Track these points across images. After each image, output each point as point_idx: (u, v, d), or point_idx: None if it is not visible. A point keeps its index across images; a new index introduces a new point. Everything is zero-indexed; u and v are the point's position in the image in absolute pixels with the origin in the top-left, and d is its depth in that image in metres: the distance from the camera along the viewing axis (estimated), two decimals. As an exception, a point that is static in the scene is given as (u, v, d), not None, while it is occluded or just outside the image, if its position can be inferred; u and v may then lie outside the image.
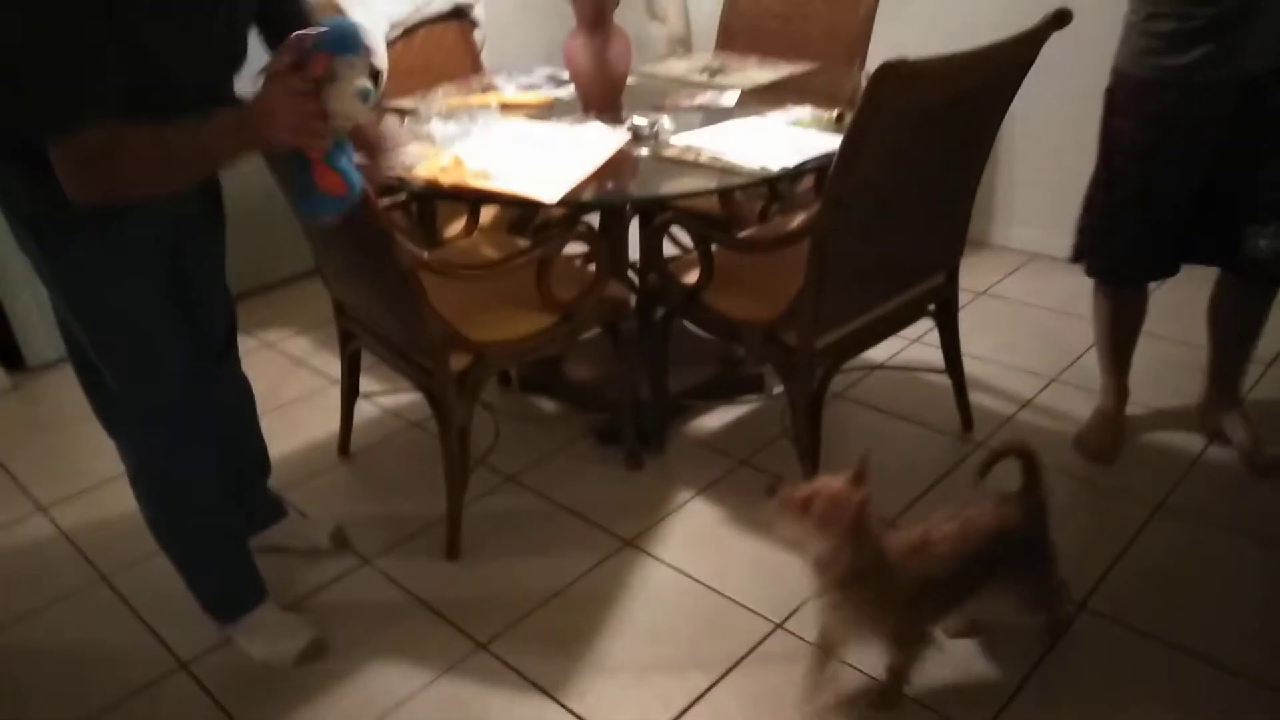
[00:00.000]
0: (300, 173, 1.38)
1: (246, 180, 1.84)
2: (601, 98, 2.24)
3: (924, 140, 1.76)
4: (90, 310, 1.49)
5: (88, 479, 2.34)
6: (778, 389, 2.53)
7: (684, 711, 1.62)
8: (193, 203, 1.61)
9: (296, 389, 2.76)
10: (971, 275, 3.03)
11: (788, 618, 1.80)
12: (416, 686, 1.70)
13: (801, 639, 1.74)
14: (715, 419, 2.47)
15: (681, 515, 2.11)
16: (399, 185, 1.94)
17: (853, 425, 2.42)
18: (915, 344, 2.75)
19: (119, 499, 1.99)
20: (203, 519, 1.74)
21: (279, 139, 1.32)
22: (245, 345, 2.98)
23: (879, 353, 2.69)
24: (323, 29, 1.32)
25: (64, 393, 2.75)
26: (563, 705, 1.64)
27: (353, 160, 1.43)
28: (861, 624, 1.50)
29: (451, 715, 1.64)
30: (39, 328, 2.91)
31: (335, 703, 1.68)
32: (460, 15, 3.16)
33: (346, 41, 1.31)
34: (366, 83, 1.33)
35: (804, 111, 2.16)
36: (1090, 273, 2.12)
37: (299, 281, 3.44)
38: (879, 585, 1.43)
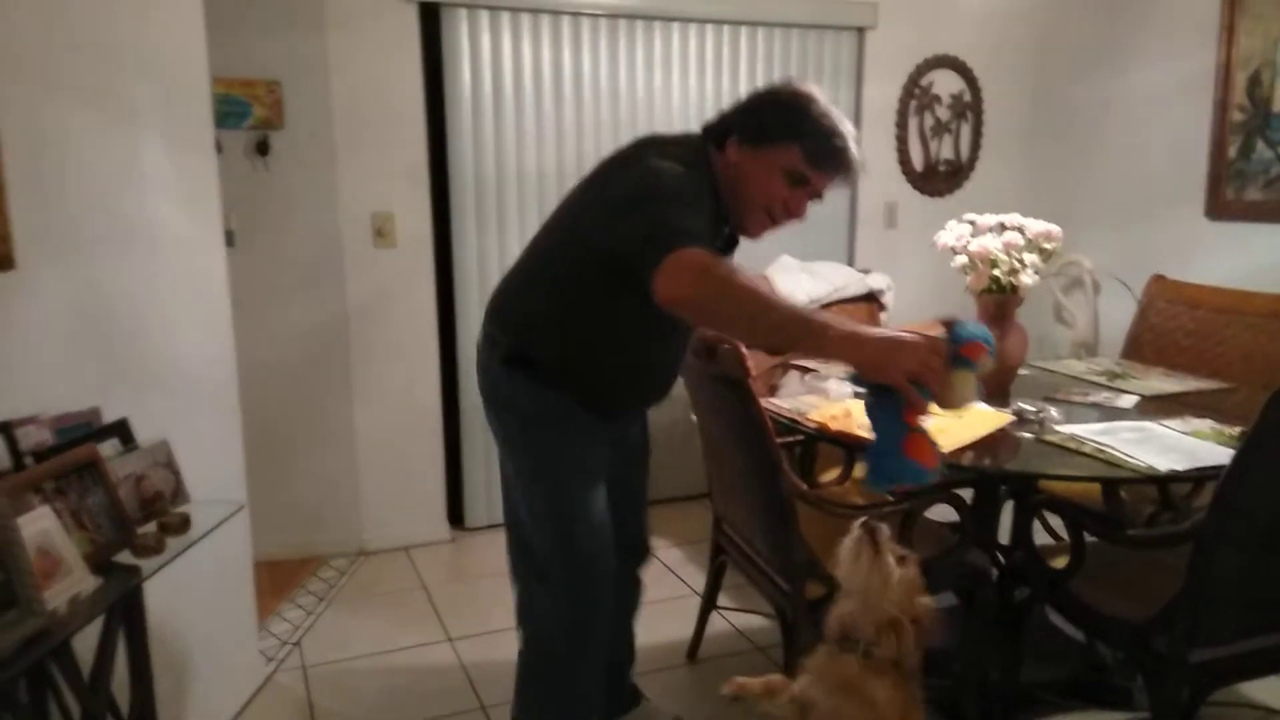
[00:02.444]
0: (892, 435, 1.41)
1: (659, 408, 2.19)
2: (991, 381, 2.40)
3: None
4: (561, 514, 1.78)
5: (491, 624, 2.78)
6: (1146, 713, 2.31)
7: None
8: (630, 432, 1.97)
9: (662, 593, 3.06)
10: None
11: None
12: None
13: None
14: (1068, 722, 2.32)
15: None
16: (792, 425, 2.23)
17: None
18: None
19: (513, 646, 2.36)
20: (584, 703, 1.91)
21: (894, 370, 1.38)
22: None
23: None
24: (969, 324, 1.46)
25: (489, 551, 3.32)
26: None
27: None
28: None
29: None
30: (482, 497, 3.58)
31: None
32: (872, 299, 3.56)
33: (990, 345, 1.45)
34: (977, 388, 1.45)
35: (1204, 424, 2.14)
36: None
37: (685, 501, 3.85)
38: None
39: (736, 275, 1.47)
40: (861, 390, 1.49)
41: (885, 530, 1.46)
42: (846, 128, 1.73)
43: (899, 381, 1.38)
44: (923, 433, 1.39)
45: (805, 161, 1.71)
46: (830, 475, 2.73)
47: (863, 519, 1.49)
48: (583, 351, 1.74)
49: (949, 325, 1.45)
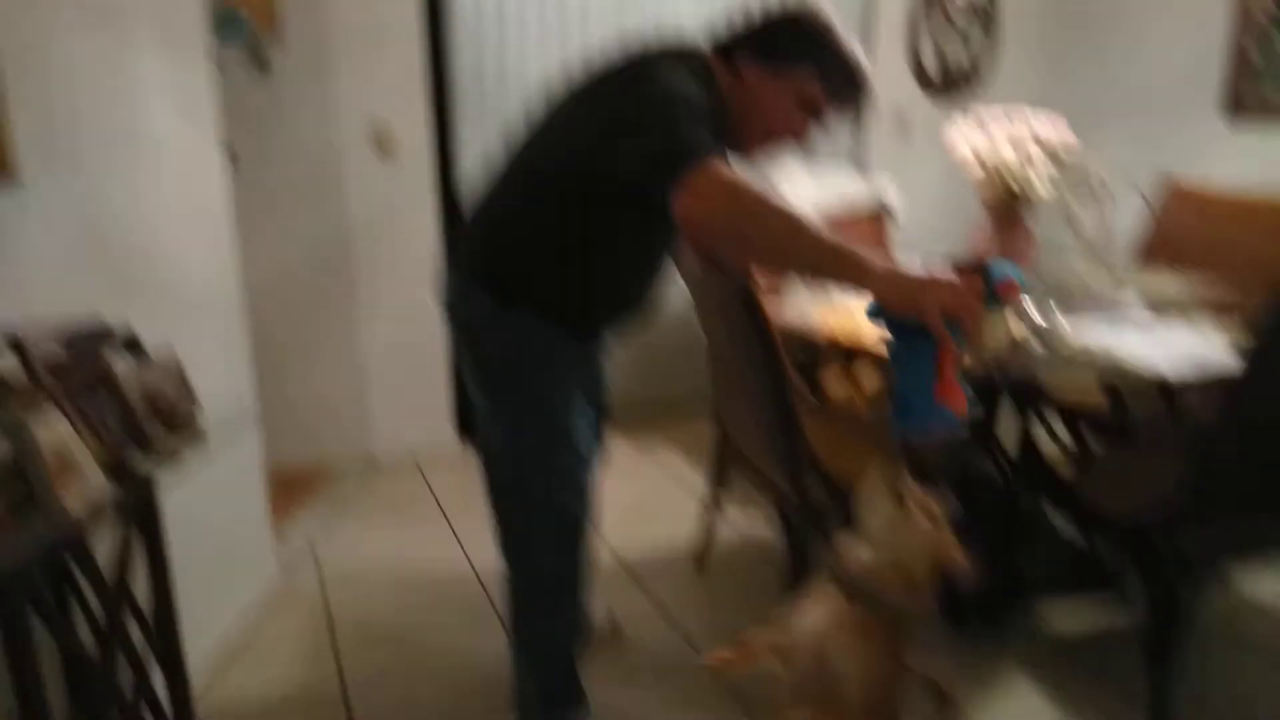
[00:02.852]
0: (924, 378, 1.34)
1: (666, 308, 2.14)
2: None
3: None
4: (545, 437, 1.72)
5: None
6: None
7: None
8: (599, 350, 1.91)
9: (667, 499, 3.12)
10: None
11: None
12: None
13: None
14: (1064, 613, 2.37)
15: (1004, 693, 2.07)
16: (802, 340, 2.23)
17: (1220, 661, 2.19)
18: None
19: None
20: (574, 634, 1.93)
21: (927, 306, 1.31)
22: (630, 455, 3.48)
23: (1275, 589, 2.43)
24: (1002, 263, 1.42)
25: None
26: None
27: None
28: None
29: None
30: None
31: None
32: (882, 214, 3.52)
33: (1024, 287, 1.43)
34: (1017, 331, 1.41)
35: (1212, 327, 2.13)
36: None
37: (689, 410, 3.85)
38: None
39: (770, 196, 1.37)
40: (883, 327, 1.40)
41: (905, 475, 1.38)
42: (863, 59, 1.68)
43: (935, 322, 1.30)
44: (955, 376, 1.32)
45: (823, 91, 1.66)
46: (839, 387, 2.75)
47: (879, 461, 1.40)
48: (575, 278, 1.67)
49: (980, 268, 1.38)
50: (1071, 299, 2.43)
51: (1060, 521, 2.65)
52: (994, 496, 2.24)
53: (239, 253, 2.38)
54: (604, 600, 2.36)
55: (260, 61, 3.03)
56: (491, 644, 2.30)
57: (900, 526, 1.37)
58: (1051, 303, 2.30)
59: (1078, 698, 2.06)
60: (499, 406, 1.75)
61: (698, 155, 1.38)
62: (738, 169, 1.43)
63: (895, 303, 1.34)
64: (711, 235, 1.43)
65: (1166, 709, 1.87)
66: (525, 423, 1.74)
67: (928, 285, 1.31)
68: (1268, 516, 1.91)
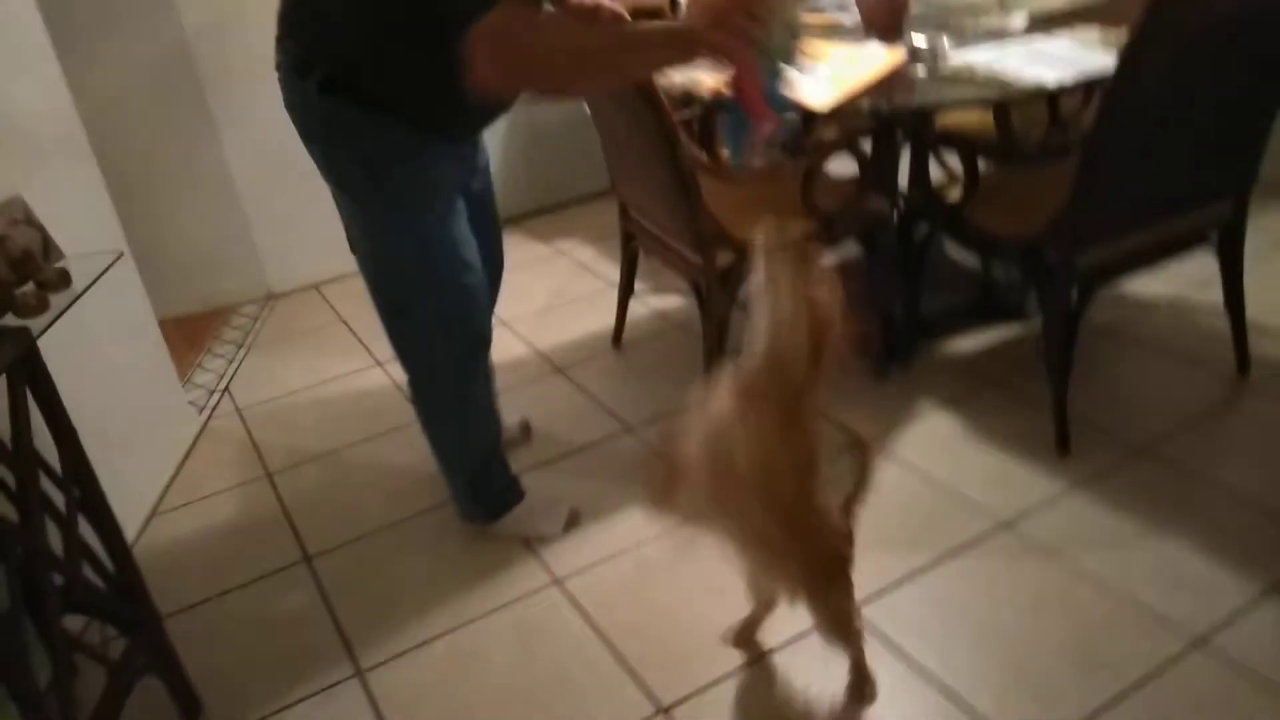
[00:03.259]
0: (735, 108, 1.39)
1: (552, 107, 2.04)
2: (883, 21, 2.33)
3: (1211, 56, 1.72)
4: (419, 246, 1.63)
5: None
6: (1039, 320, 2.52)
7: (898, 582, 1.75)
8: (477, 148, 1.79)
9: (581, 289, 3.11)
10: (1271, 221, 2.82)
11: (1016, 519, 1.86)
12: (645, 537, 1.93)
13: (1031, 540, 1.81)
14: (968, 342, 2.51)
15: (921, 424, 2.20)
16: (686, 99, 2.16)
17: (1112, 357, 2.38)
18: (1200, 286, 2.61)
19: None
20: (489, 434, 1.93)
21: (706, 36, 1.27)
22: (539, 252, 3.44)
23: (1156, 289, 2.60)
24: None
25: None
26: (790, 563, 1.83)
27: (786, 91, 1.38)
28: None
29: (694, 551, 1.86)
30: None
31: (593, 547, 1.98)
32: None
33: None
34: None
35: (1092, 33, 2.14)
36: None
37: (591, 200, 3.82)
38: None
39: (545, 34, 1.32)
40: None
41: (801, 240, 1.29)
42: None
43: (715, 42, 1.27)
44: (758, 94, 1.32)
45: None
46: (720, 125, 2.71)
47: (771, 223, 1.30)
48: (418, 66, 1.45)
49: None
50: (959, 25, 2.39)
51: (959, 253, 2.76)
52: (890, 234, 2.28)
53: (67, 83, 2.14)
54: (522, 396, 2.40)
55: None
56: (421, 446, 2.32)
57: (785, 299, 1.26)
58: (938, 33, 2.27)
59: (987, 413, 2.22)
60: (367, 213, 1.64)
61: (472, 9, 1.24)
62: (511, 16, 1.26)
63: (682, 59, 1.35)
64: (510, 92, 1.44)
65: (1065, 405, 2.02)
66: (392, 230, 1.63)
67: (696, 30, 1.28)
68: (1151, 228, 2.00)
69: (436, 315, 1.72)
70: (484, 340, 1.82)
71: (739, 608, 1.64)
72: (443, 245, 1.66)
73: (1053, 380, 2.03)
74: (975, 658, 1.58)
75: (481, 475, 1.97)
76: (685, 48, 1.32)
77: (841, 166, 2.29)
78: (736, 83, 1.32)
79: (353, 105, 1.50)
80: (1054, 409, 2.03)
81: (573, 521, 2.02)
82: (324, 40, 1.49)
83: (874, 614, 1.68)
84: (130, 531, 2.07)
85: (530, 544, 1.97)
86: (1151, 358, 2.37)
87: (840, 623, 1.48)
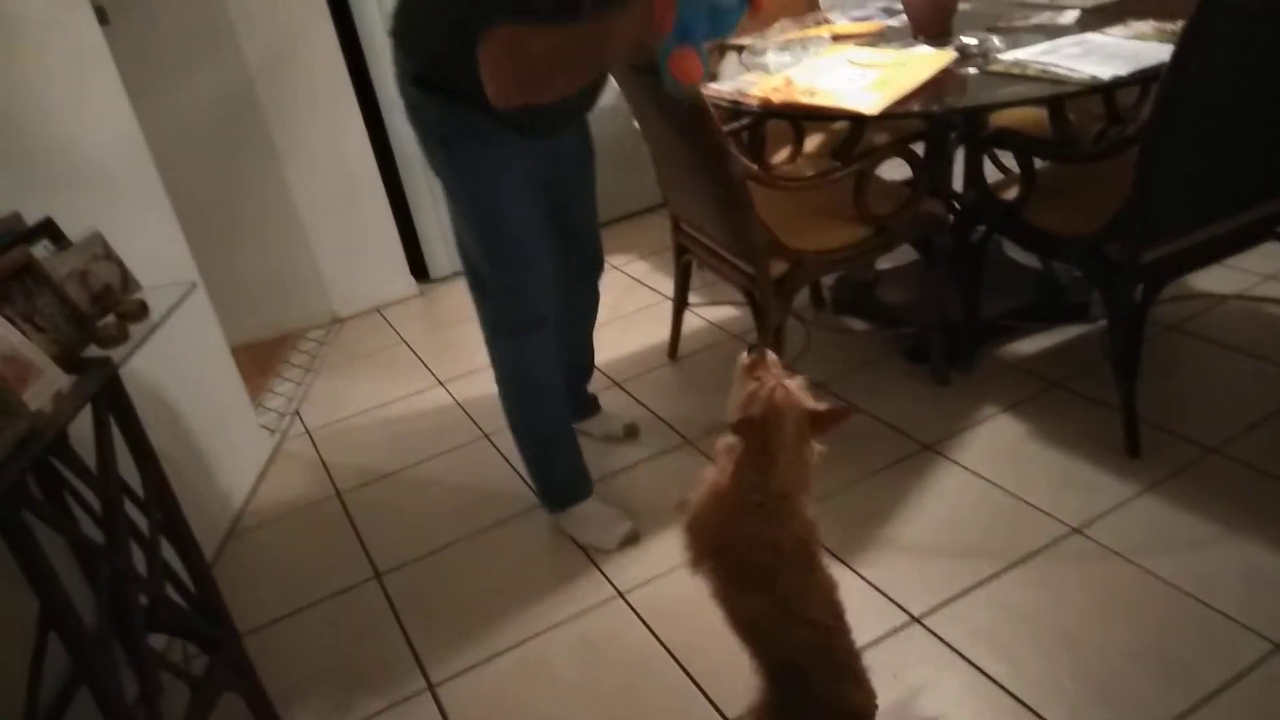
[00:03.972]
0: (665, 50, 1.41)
1: (604, 125, 2.10)
2: (931, 21, 2.32)
3: (1272, 44, 1.67)
4: (484, 217, 1.81)
5: (476, 363, 2.86)
6: (1103, 320, 2.47)
7: (966, 591, 1.72)
8: (565, 145, 1.90)
9: (635, 304, 3.13)
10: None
11: (1087, 525, 1.82)
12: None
13: (1102, 545, 1.76)
14: (1030, 344, 2.46)
15: (985, 429, 2.17)
16: (734, 108, 2.17)
17: (1182, 357, 2.31)
18: (1269, 280, 2.53)
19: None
20: (552, 418, 2.05)
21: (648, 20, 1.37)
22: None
23: (1223, 283, 2.52)
24: None
25: (458, 298, 3.35)
26: (855, 571, 1.81)
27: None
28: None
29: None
30: (440, 247, 3.56)
31: (655, 561, 1.99)
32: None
33: None
34: None
35: (1146, 26, 2.09)
36: None
37: (643, 215, 3.85)
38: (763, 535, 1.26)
39: (541, 45, 1.44)
40: None
41: (770, 356, 1.32)
42: None
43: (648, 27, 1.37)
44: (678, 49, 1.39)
45: None
46: (782, 154, 2.71)
47: (752, 346, 1.34)
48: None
49: None
50: (1009, 22, 2.37)
51: (1018, 253, 2.71)
52: (947, 237, 2.26)
53: (139, 120, 2.24)
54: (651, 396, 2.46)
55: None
56: (485, 463, 2.38)
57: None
58: (989, 33, 2.25)
59: (1053, 417, 2.17)
60: (447, 190, 1.84)
61: (480, 25, 1.43)
62: (511, 31, 1.44)
63: (646, 25, 1.39)
64: (513, 103, 1.51)
65: (1134, 407, 1.97)
66: (465, 201, 1.82)
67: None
68: (1216, 223, 1.95)
69: (498, 288, 1.88)
70: (540, 321, 1.92)
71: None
72: (507, 223, 1.81)
73: (1120, 381, 1.98)
74: (1047, 666, 1.55)
75: (542, 456, 2.08)
76: (643, 18, 1.38)
77: (894, 170, 2.28)
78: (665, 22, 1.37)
79: (436, 95, 1.71)
80: (1122, 410, 1.99)
81: (630, 539, 2.03)
82: (416, 44, 1.72)
83: (941, 623, 1.66)
84: (209, 551, 2.14)
85: (593, 557, 1.99)
86: (1221, 354, 2.30)
87: None
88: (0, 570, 1.18)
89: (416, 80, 1.73)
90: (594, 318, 2.29)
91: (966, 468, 2.05)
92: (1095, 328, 2.46)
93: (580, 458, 2.11)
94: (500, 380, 2.03)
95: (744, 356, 1.34)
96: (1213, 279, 2.52)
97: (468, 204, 1.82)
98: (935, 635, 1.64)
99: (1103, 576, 1.71)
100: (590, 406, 2.42)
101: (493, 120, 1.67)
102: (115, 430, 1.46)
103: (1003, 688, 1.52)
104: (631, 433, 2.40)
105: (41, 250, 1.48)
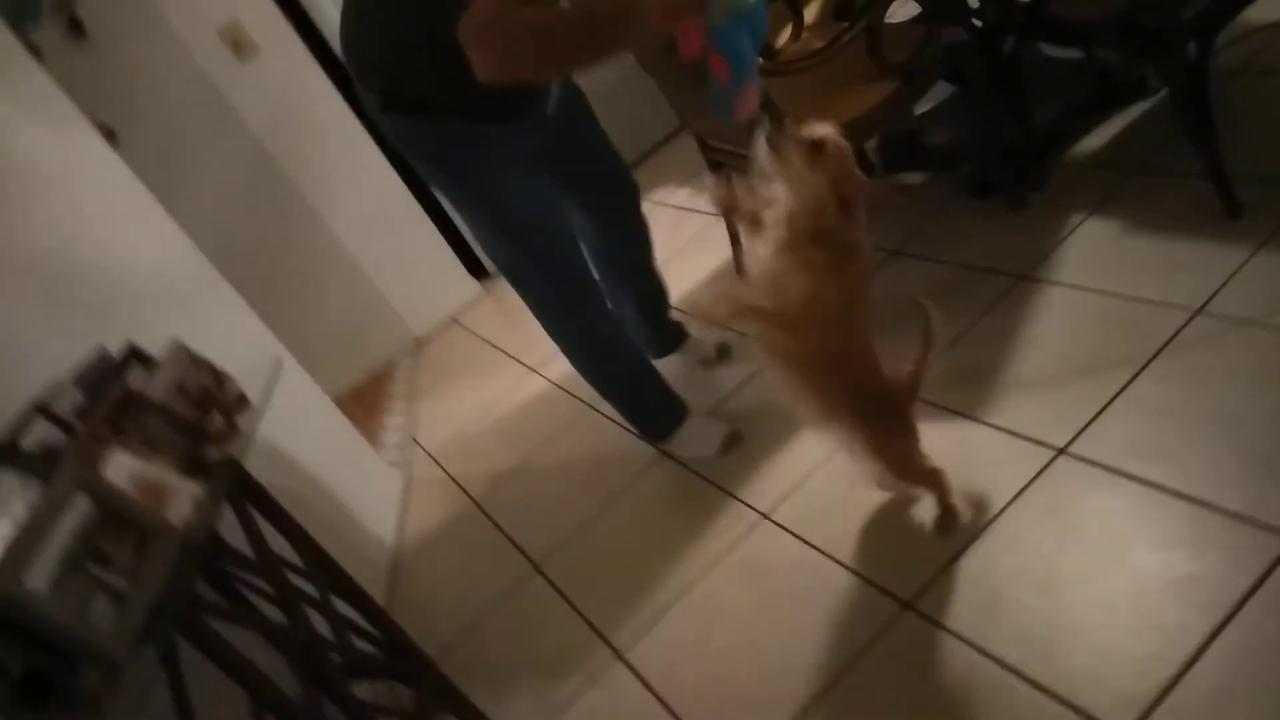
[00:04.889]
0: (705, 70, 1.39)
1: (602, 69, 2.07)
2: None
3: None
4: (496, 219, 1.84)
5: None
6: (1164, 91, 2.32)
7: (1104, 407, 1.67)
8: (555, 111, 1.86)
9: (689, 232, 3.11)
10: None
11: (1207, 302, 1.74)
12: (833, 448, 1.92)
13: (1227, 318, 1.69)
14: (1097, 138, 2.34)
15: (1075, 240, 2.08)
16: None
17: (1258, 99, 2.16)
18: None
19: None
20: (627, 366, 2.11)
21: (656, 10, 1.34)
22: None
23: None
24: None
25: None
26: (987, 424, 1.78)
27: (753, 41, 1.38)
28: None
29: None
30: (488, 240, 3.60)
31: (753, 473, 2.00)
32: None
33: None
34: None
35: None
36: None
37: (666, 145, 3.80)
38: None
39: (522, 23, 1.40)
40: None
41: (784, 130, 1.38)
42: None
43: (661, 23, 1.34)
44: (714, 45, 1.35)
45: None
46: (784, 36, 2.61)
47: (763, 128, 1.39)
48: (441, 68, 1.55)
49: None
50: None
51: (1059, 50, 2.56)
52: (978, 60, 2.15)
53: (178, 225, 2.32)
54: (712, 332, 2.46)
55: (76, 27, 2.80)
56: (596, 430, 2.42)
57: (793, 176, 1.38)
58: None
59: (1142, 204, 2.07)
60: (450, 202, 1.89)
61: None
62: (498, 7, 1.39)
63: (639, 35, 1.40)
64: (500, 78, 1.46)
65: (1223, 168, 1.86)
66: (473, 210, 1.86)
67: (641, 6, 1.33)
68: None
69: (534, 272, 1.92)
70: (582, 289, 1.96)
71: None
72: (520, 216, 1.83)
73: (1199, 146, 1.87)
74: (1205, 455, 1.50)
75: (634, 401, 2.16)
76: (641, 27, 1.37)
77: (903, 9, 2.17)
78: (685, 46, 1.35)
79: (405, 115, 1.70)
80: (1211, 174, 1.87)
81: (732, 443, 2.09)
82: (370, 67, 1.70)
83: (1088, 447, 1.62)
84: (379, 594, 2.25)
85: (728, 488, 2.01)
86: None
87: (905, 467, 1.55)
88: (203, 671, 1.27)
89: (384, 106, 1.71)
90: (649, 247, 2.28)
91: (1068, 284, 1.98)
92: (1159, 100, 2.32)
93: (665, 385, 2.15)
94: (568, 355, 2.10)
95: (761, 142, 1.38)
96: (1267, 7, 2.32)
97: (476, 212, 1.85)
98: (1086, 460, 1.60)
99: (1237, 350, 1.63)
100: (677, 335, 2.43)
101: (472, 122, 1.67)
102: (258, 515, 1.54)
103: (1169, 491, 1.48)
104: (724, 353, 2.41)
105: (135, 376, 1.56)
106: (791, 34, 2.55)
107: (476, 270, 3.64)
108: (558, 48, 1.46)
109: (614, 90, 3.64)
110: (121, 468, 1.30)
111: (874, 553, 1.68)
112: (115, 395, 1.43)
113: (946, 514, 1.62)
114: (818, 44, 2.36)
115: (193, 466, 1.43)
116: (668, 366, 2.34)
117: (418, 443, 2.92)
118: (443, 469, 2.72)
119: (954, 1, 2.23)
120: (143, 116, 2.91)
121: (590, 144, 2.06)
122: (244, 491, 1.52)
